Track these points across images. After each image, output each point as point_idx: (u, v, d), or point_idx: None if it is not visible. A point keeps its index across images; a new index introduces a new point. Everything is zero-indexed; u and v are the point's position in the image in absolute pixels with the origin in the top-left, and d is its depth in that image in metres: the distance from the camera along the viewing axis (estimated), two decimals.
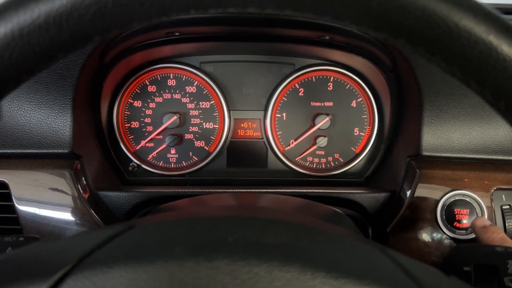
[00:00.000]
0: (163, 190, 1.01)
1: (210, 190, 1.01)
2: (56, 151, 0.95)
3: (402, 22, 0.36)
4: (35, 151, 0.95)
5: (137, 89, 1.15)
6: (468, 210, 0.92)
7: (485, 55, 0.35)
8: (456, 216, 0.92)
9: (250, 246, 0.35)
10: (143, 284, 0.32)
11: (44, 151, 0.95)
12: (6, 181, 0.91)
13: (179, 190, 1.01)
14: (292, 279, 0.32)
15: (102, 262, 0.34)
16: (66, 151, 0.95)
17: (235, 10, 0.38)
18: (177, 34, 1.04)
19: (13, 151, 0.95)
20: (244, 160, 1.22)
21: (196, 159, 1.20)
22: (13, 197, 0.91)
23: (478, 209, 0.92)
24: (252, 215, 0.47)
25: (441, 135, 0.98)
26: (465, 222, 0.92)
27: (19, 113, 0.94)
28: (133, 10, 0.37)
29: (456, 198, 0.93)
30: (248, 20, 1.00)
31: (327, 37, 1.06)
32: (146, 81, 1.15)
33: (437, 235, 0.92)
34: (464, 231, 0.91)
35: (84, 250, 0.36)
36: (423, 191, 0.95)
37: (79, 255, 0.36)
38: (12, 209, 0.91)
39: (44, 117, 0.95)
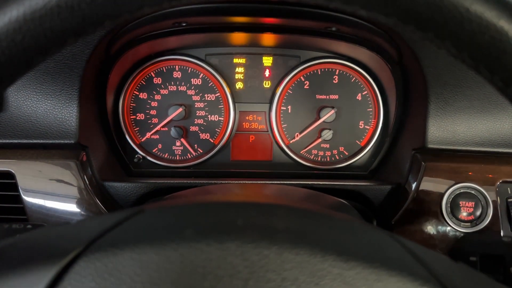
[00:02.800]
0: (168, 181, 1.02)
1: (215, 182, 1.01)
2: (62, 141, 0.96)
3: (412, 8, 0.36)
4: (41, 141, 0.96)
5: (143, 81, 1.16)
6: (473, 203, 0.92)
7: (496, 40, 0.35)
8: (461, 208, 0.92)
9: (260, 229, 0.35)
10: (154, 266, 0.32)
11: (51, 141, 0.96)
12: (12, 171, 0.92)
13: (184, 181, 1.02)
14: (302, 261, 0.32)
15: (113, 244, 0.35)
16: (72, 141, 0.96)
17: None
18: (183, 24, 1.04)
19: (19, 141, 0.95)
20: (249, 152, 1.22)
21: (201, 151, 1.20)
22: (19, 187, 0.91)
23: (483, 202, 0.92)
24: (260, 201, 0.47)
25: (447, 128, 0.98)
26: (470, 214, 0.92)
27: (25, 103, 0.95)
28: None
29: (461, 191, 0.93)
30: (256, 10, 0.99)
31: (333, 28, 1.05)
32: (151, 73, 1.16)
33: (442, 228, 0.92)
34: (469, 224, 0.91)
35: (95, 233, 0.37)
36: (428, 183, 0.95)
37: (90, 237, 0.36)
38: (19, 199, 0.92)
39: (51, 107, 0.95)
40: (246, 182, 1.03)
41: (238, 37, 1.15)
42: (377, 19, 0.39)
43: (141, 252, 0.33)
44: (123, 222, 0.39)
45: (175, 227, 0.36)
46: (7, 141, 0.95)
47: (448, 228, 0.92)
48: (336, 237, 0.36)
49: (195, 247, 0.33)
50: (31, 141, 0.96)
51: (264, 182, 1.04)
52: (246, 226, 0.35)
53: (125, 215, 0.40)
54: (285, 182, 1.03)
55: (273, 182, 1.03)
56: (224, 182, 1.02)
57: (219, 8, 0.98)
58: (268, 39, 1.15)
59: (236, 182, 1.02)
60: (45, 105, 0.95)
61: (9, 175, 0.92)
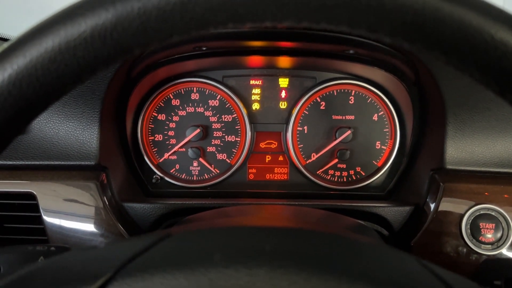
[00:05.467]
0: (187, 202, 1.02)
1: (232, 202, 1.02)
2: (83, 163, 0.97)
3: (438, 35, 0.37)
4: (62, 162, 0.97)
5: (161, 102, 1.17)
6: (493, 225, 0.91)
7: None
8: (482, 230, 0.91)
9: (288, 255, 0.35)
10: None
11: (71, 163, 0.97)
12: (34, 192, 0.93)
13: (202, 202, 1.02)
14: None
15: (142, 269, 0.35)
16: (92, 163, 0.97)
17: (271, 24, 0.39)
18: (204, 48, 1.06)
19: (41, 162, 0.97)
20: (265, 173, 1.22)
21: (218, 171, 1.21)
22: (40, 208, 0.93)
23: (504, 223, 0.91)
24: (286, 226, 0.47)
25: (465, 149, 0.98)
26: (491, 236, 0.91)
27: (48, 125, 0.97)
28: (174, 24, 0.38)
29: (481, 212, 0.92)
30: (274, 34, 1.01)
31: (351, 51, 1.06)
32: (170, 95, 1.17)
33: (462, 250, 0.91)
34: (490, 246, 0.90)
35: (124, 258, 0.37)
36: (447, 204, 0.94)
37: (119, 262, 0.36)
38: (40, 219, 0.93)
39: (72, 129, 0.97)
40: (263, 203, 1.03)
41: (255, 60, 1.16)
42: (401, 46, 0.39)
43: (171, 277, 0.34)
44: (151, 246, 0.39)
45: (203, 252, 0.37)
46: (29, 162, 0.97)
47: (469, 250, 0.91)
48: (364, 263, 0.36)
49: (224, 272, 0.33)
50: (52, 163, 0.97)
51: (281, 203, 1.04)
52: (275, 252, 0.36)
53: (153, 239, 0.40)
54: (302, 203, 1.03)
55: (290, 203, 1.03)
56: (241, 203, 1.02)
57: (239, 33, 0.99)
58: (284, 61, 1.16)
59: (253, 203, 1.02)
60: (67, 127, 0.97)
61: (31, 196, 0.93)
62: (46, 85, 0.38)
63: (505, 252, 0.90)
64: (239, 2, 0.37)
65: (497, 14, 0.36)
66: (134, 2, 0.36)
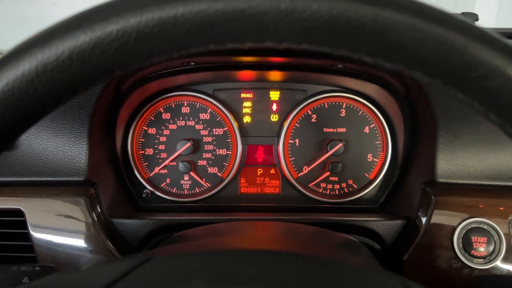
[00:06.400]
0: (176, 218, 1.01)
1: (223, 218, 1.01)
2: (71, 179, 0.96)
3: (418, 56, 0.36)
4: (51, 178, 0.96)
5: (152, 116, 1.17)
6: (485, 238, 0.90)
7: (504, 87, 0.35)
8: (474, 244, 0.90)
9: (268, 278, 0.35)
10: None
11: (60, 179, 0.96)
12: (22, 208, 0.92)
13: (193, 218, 1.01)
14: None
15: None
16: (81, 179, 0.96)
17: (253, 44, 0.39)
18: (192, 64, 1.06)
19: (29, 179, 0.96)
20: (257, 186, 1.22)
21: (209, 185, 1.20)
22: (28, 224, 0.91)
23: (496, 237, 0.90)
24: (268, 247, 0.47)
25: (456, 162, 0.98)
26: (483, 250, 0.90)
27: (36, 141, 0.96)
28: (154, 46, 0.37)
29: (473, 226, 0.91)
30: (263, 50, 1.01)
31: (340, 66, 1.06)
32: (160, 108, 1.17)
33: (454, 264, 0.90)
34: (482, 260, 0.90)
35: (103, 283, 0.36)
36: (439, 218, 0.93)
37: (100, 287, 0.36)
38: (27, 236, 0.92)
39: (61, 145, 0.96)
40: (254, 218, 1.02)
41: (246, 73, 1.16)
42: (384, 66, 0.39)
43: None
44: (131, 271, 0.38)
45: (184, 276, 0.36)
46: (17, 178, 0.96)
47: (461, 264, 0.90)
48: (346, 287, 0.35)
49: None
50: (40, 179, 0.96)
51: (272, 217, 1.03)
52: (255, 276, 0.35)
53: (133, 263, 0.40)
54: (294, 217, 1.02)
55: (282, 217, 1.03)
56: (232, 218, 1.01)
57: (227, 50, 0.99)
58: (275, 74, 1.16)
59: (244, 218, 1.01)
60: (55, 142, 0.96)
61: (18, 213, 0.92)
62: (25, 108, 0.38)
63: (498, 266, 0.90)
64: (220, 23, 0.37)
65: (478, 35, 0.36)
66: (112, 24, 0.36)
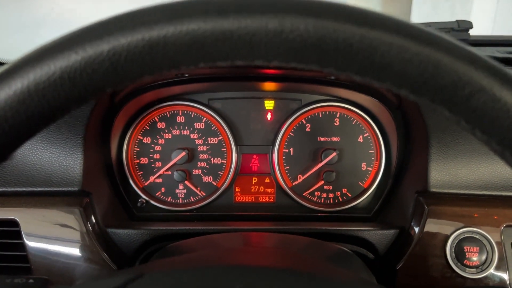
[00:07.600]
0: (171, 228, 1.01)
1: (217, 228, 1.01)
2: (66, 189, 0.96)
3: (405, 75, 0.37)
4: (45, 189, 0.96)
5: (147, 126, 1.17)
6: (478, 248, 0.91)
7: (489, 106, 0.36)
8: (466, 253, 0.91)
9: None
10: None
11: (55, 189, 0.96)
12: (16, 218, 0.92)
13: (187, 228, 1.02)
14: None
15: None
16: (76, 188, 0.96)
17: (243, 63, 0.40)
18: (186, 75, 1.07)
19: (24, 189, 0.96)
20: (251, 195, 1.22)
21: (204, 194, 1.20)
22: (23, 234, 0.92)
23: (488, 247, 0.91)
24: (260, 261, 0.47)
25: (449, 172, 0.98)
26: (475, 259, 0.91)
27: (31, 151, 0.96)
28: (144, 64, 0.38)
29: (466, 235, 0.92)
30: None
31: (332, 77, 1.07)
32: (155, 118, 1.17)
33: (447, 273, 0.91)
34: (474, 269, 0.90)
35: None
36: (432, 227, 0.94)
37: None
38: (22, 246, 0.92)
39: (55, 155, 0.96)
40: (248, 228, 1.02)
41: (240, 83, 1.17)
42: (371, 84, 0.40)
43: None
44: (123, 287, 0.39)
45: None
46: (12, 189, 0.96)
47: (454, 274, 0.90)
48: None
49: None
50: (35, 189, 0.96)
51: (267, 227, 1.03)
52: None
53: (124, 280, 0.40)
54: (288, 227, 1.02)
55: (276, 226, 1.03)
56: (226, 228, 1.01)
57: None
58: (270, 84, 1.17)
59: (239, 228, 1.02)
60: (50, 153, 0.96)
61: (13, 223, 0.92)
62: (17, 126, 0.38)
63: (490, 275, 0.90)
64: (210, 43, 0.38)
65: (464, 55, 0.36)
66: (103, 44, 0.36)
